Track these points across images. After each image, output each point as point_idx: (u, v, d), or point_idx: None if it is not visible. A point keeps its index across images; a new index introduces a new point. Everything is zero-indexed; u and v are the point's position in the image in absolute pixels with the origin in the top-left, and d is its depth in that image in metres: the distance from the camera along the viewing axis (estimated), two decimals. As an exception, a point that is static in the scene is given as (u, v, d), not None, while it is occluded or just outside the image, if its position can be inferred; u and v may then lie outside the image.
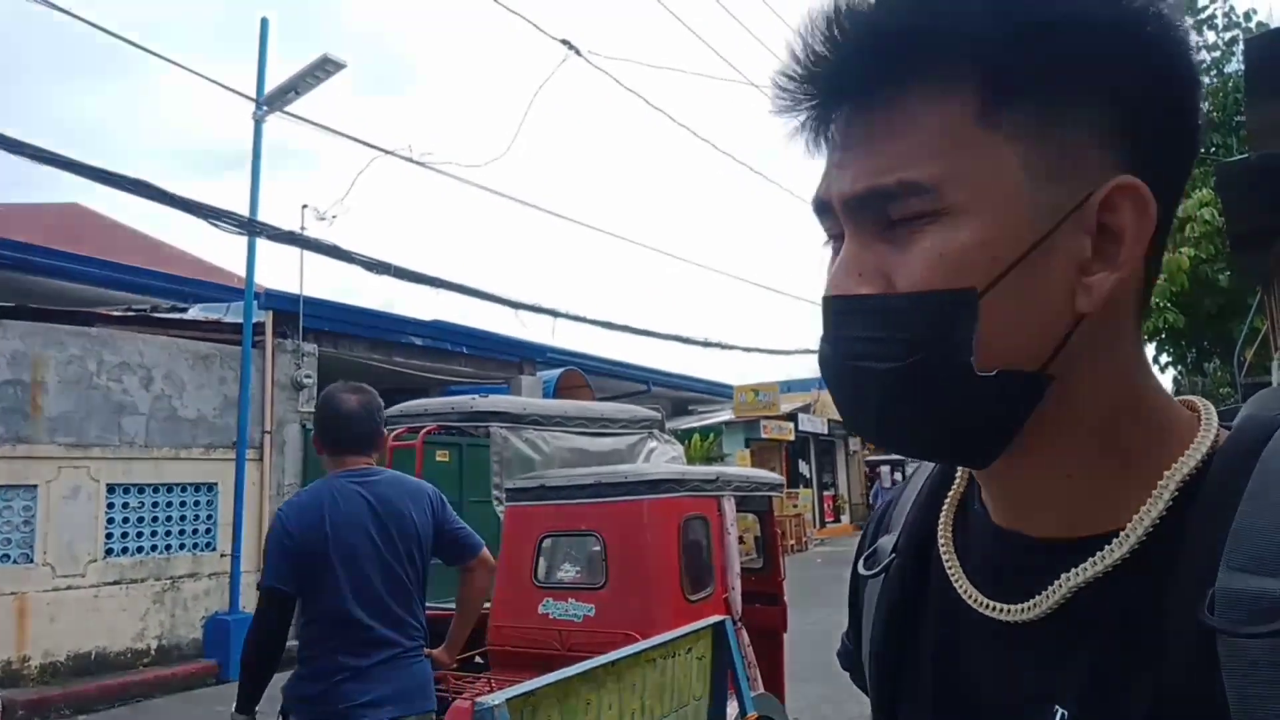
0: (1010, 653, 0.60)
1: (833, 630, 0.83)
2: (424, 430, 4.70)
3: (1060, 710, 0.56)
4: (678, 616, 3.76)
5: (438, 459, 11.16)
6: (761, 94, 0.59)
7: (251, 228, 8.84)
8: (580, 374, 13.20)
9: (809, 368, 23.99)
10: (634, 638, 3.40)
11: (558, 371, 13.03)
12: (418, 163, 9.35)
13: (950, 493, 0.70)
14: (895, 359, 0.54)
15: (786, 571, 5.32)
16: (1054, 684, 0.57)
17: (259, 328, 9.76)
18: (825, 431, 24.16)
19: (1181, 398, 0.63)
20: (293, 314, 10.19)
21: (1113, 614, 0.55)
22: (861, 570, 0.76)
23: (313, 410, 10.35)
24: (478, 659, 4.62)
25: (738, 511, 4.66)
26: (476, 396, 4.90)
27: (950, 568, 0.66)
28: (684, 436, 18.31)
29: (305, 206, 10.17)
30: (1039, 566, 0.59)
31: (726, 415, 20.61)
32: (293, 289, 10.33)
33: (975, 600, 0.62)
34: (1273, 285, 9.25)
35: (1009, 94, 0.53)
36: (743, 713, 3.04)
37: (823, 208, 0.60)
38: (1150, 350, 12.50)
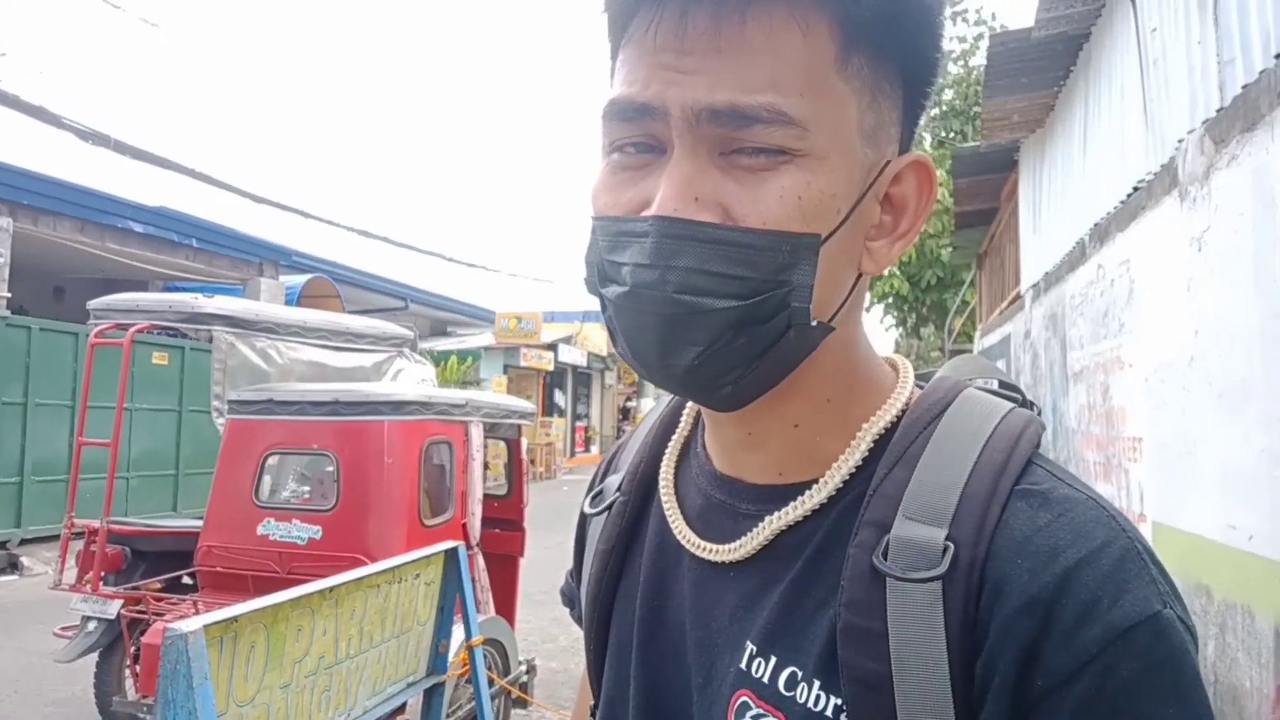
0: (716, 591, 0.62)
1: (570, 556, 0.81)
2: (134, 328, 4.16)
3: (750, 645, 0.58)
4: (412, 541, 3.65)
5: (154, 362, 10.10)
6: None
7: (-73, 69, 7.33)
8: (329, 282, 12.36)
9: (574, 300, 24.22)
10: (362, 562, 3.26)
11: (304, 278, 12.11)
12: (151, 24, 8.16)
13: (674, 437, 0.72)
14: (736, 298, 0.51)
15: (533, 498, 5.36)
16: (750, 620, 0.59)
17: (-66, 191, 8.22)
18: (584, 364, 24.60)
19: (885, 355, 0.66)
20: (-19, 180, 8.66)
21: (807, 555, 0.58)
22: (587, 509, 0.77)
23: (6, 295, 8.96)
24: (186, 580, 4.27)
25: (487, 438, 4.59)
26: (200, 296, 4.40)
27: (668, 509, 0.67)
28: (441, 358, 17.91)
29: (3, 55, 8.50)
30: (749, 511, 0.61)
31: (487, 340, 20.38)
32: (-17, 151, 8.75)
33: (689, 540, 0.64)
34: (984, 263, 10.50)
35: (856, 47, 0.53)
36: (468, 637, 3.01)
37: (641, 110, 0.53)
38: (878, 312, 13.85)
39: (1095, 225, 4.45)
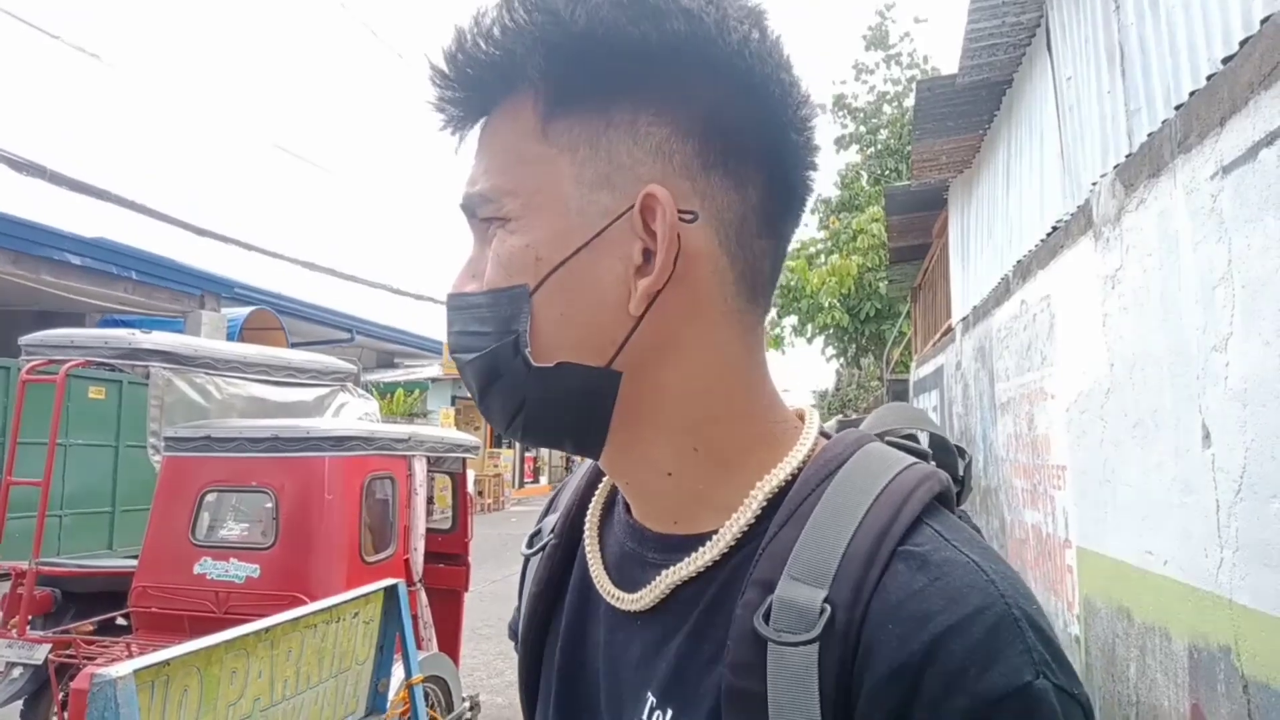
0: (625, 639, 0.63)
1: (515, 589, 0.83)
2: (67, 365, 4.08)
3: (651, 696, 0.59)
4: (352, 579, 3.63)
5: (90, 396, 9.84)
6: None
7: None
8: (272, 314, 12.14)
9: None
10: (301, 600, 3.23)
11: (247, 310, 11.90)
12: (90, 54, 8.06)
13: (604, 481, 0.73)
14: (476, 351, 0.59)
15: (483, 530, 5.34)
16: (651, 671, 0.60)
17: None
18: (531, 395, 24.42)
19: (795, 406, 0.67)
20: (-93, 210, 8.39)
21: (700, 611, 0.58)
22: (524, 549, 0.77)
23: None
24: (120, 621, 4.16)
25: (433, 472, 4.57)
26: (137, 331, 4.34)
27: (590, 554, 0.68)
28: (387, 390, 17.69)
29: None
30: (654, 560, 0.62)
31: (434, 371, 20.19)
32: (-91, 180, 8.46)
33: (604, 587, 0.65)
34: (918, 297, 10.78)
35: (559, 110, 0.57)
36: (408, 675, 2.99)
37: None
38: (819, 343, 14.08)
39: (1018, 262, 4.64)
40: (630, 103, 0.56)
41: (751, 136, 0.58)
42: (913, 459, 0.59)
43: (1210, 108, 2.34)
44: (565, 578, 0.71)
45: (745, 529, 0.58)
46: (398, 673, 3.01)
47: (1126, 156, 3.06)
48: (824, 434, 0.64)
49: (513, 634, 0.83)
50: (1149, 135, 2.86)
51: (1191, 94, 2.53)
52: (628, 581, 0.63)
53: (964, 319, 6.48)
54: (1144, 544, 2.93)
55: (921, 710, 0.48)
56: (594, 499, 0.72)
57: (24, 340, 4.28)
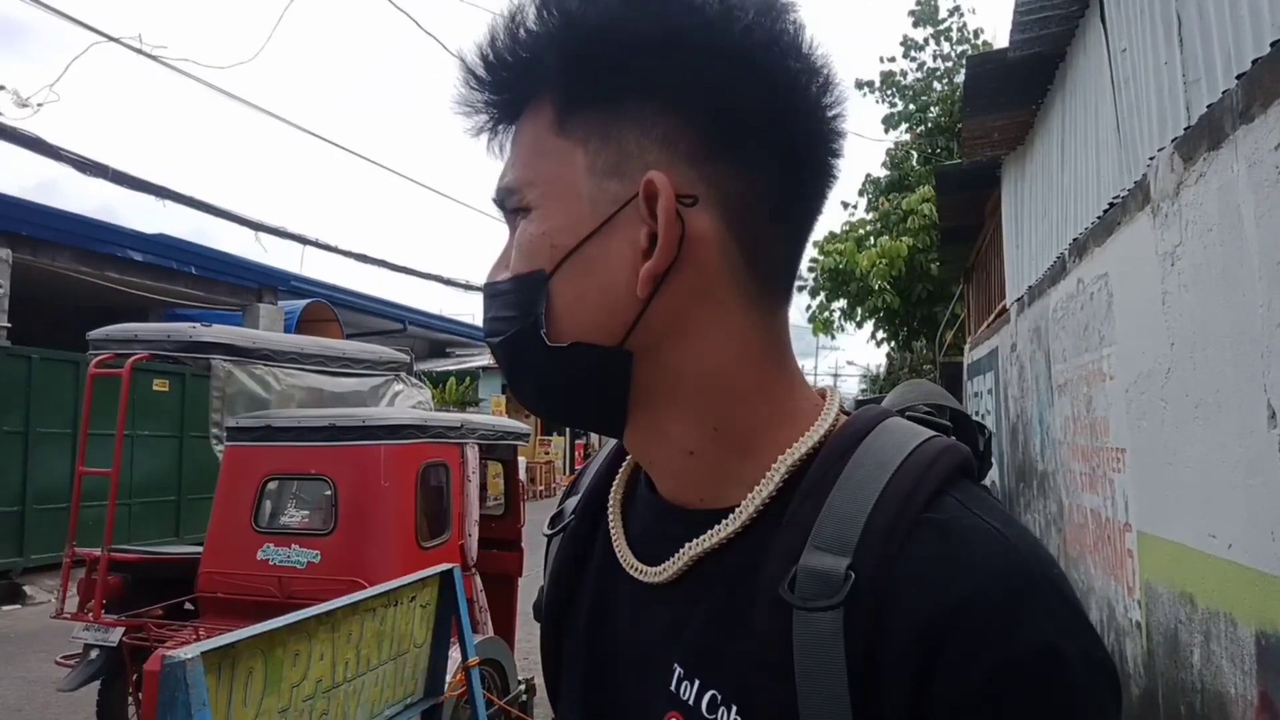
0: (649, 612, 0.64)
1: None
2: (132, 358, 4.23)
3: (678, 667, 0.60)
4: (409, 564, 3.71)
5: (155, 388, 10.16)
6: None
7: (-72, 105, 7.43)
8: (328, 307, 12.41)
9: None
10: (360, 585, 3.31)
11: (303, 303, 12.18)
12: (149, 55, 8.28)
13: (627, 460, 0.75)
14: (502, 334, 0.62)
15: (533, 516, 5.41)
16: (677, 642, 0.61)
17: (-65, 224, 8.30)
18: (581, 382, 24.56)
19: (818, 387, 0.68)
20: (-19, 213, 8.75)
21: (724, 582, 0.60)
22: (545, 530, 0.79)
23: (7, 325, 9.03)
24: (188, 605, 4.32)
25: (486, 459, 4.64)
26: (198, 325, 4.48)
27: (613, 530, 0.70)
28: (440, 379, 17.95)
29: (2, 89, 8.64)
30: (675, 534, 0.63)
31: (485, 360, 20.42)
32: (-18, 183, 8.83)
33: (627, 561, 0.67)
34: (971, 278, 10.57)
35: (573, 105, 0.60)
36: (464, 658, 3.05)
37: None
38: (869, 327, 13.88)
39: (1074, 240, 4.52)
40: (638, 94, 0.59)
41: (757, 123, 0.59)
42: (933, 432, 0.59)
43: (1274, 76, 2.26)
44: (587, 556, 0.73)
45: (767, 502, 0.59)
46: (454, 656, 3.07)
47: (1185, 129, 2.96)
48: (845, 411, 0.65)
49: (538, 613, 0.85)
50: (1208, 106, 2.76)
51: (1254, 62, 2.44)
52: (650, 555, 0.65)
53: (1019, 299, 6.34)
54: (1207, 527, 2.86)
55: (946, 673, 0.49)
56: (616, 478, 0.74)
57: (91, 335, 4.45)
